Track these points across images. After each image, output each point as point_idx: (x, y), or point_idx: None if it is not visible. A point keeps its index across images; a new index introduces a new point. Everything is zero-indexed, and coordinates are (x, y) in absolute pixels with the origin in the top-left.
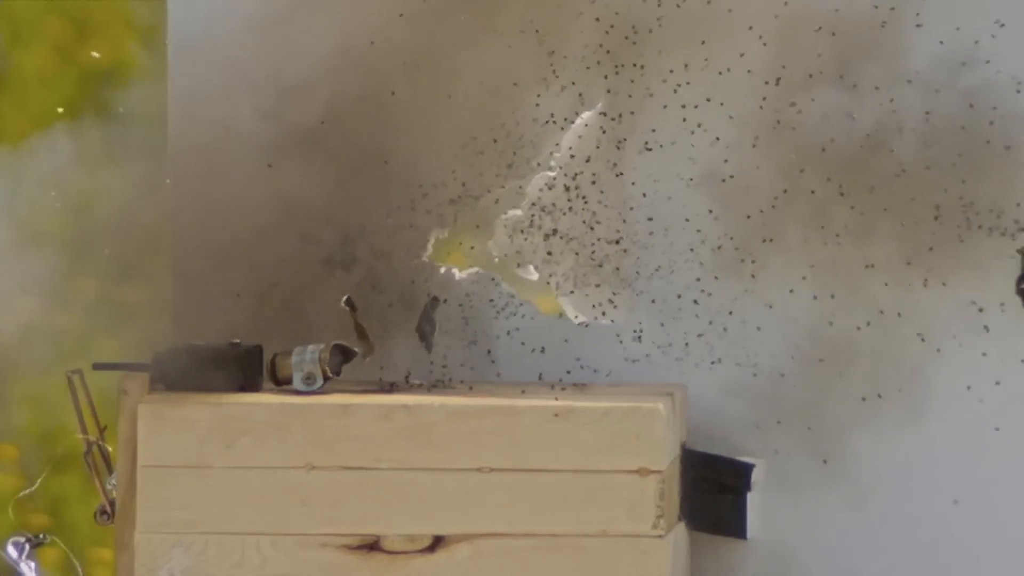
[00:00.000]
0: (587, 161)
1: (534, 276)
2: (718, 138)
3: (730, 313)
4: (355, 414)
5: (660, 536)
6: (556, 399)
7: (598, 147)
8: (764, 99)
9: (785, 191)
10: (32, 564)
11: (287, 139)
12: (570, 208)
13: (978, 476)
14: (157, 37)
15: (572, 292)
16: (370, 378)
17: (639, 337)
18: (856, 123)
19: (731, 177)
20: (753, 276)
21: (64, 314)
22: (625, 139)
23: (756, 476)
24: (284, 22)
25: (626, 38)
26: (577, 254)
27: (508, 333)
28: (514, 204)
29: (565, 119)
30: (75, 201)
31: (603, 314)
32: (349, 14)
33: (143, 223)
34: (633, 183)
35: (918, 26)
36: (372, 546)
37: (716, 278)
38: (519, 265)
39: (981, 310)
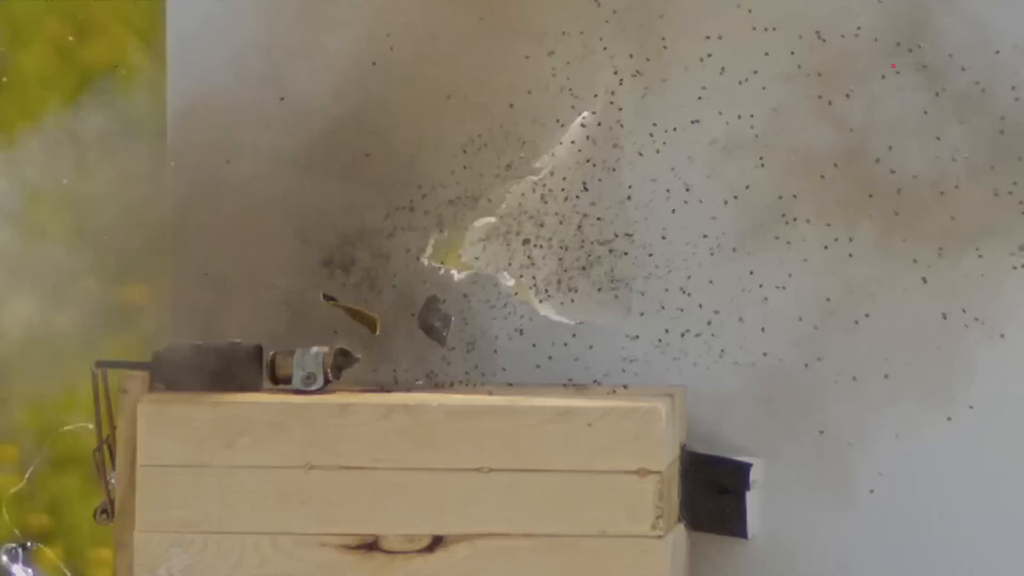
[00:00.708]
0: (587, 161)
1: (511, 282)
2: (717, 138)
3: (729, 313)
4: (354, 414)
5: (659, 537)
6: (556, 399)
7: (596, 147)
8: (764, 99)
9: (785, 191)
10: (29, 571)
11: (287, 139)
12: (566, 208)
13: (978, 476)
14: (157, 37)
15: (572, 292)
16: (384, 379)
17: (638, 337)
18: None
19: (731, 177)
20: (752, 274)
21: (64, 314)
22: (624, 140)
23: (756, 476)
24: (284, 22)
25: (626, 38)
26: (564, 253)
27: (508, 333)
28: (512, 204)
29: (565, 119)
30: (75, 201)
31: (601, 314)
32: (350, 10)
33: (143, 223)
34: (631, 185)
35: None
36: (371, 546)
37: (715, 279)
38: (507, 267)
39: (976, 319)
